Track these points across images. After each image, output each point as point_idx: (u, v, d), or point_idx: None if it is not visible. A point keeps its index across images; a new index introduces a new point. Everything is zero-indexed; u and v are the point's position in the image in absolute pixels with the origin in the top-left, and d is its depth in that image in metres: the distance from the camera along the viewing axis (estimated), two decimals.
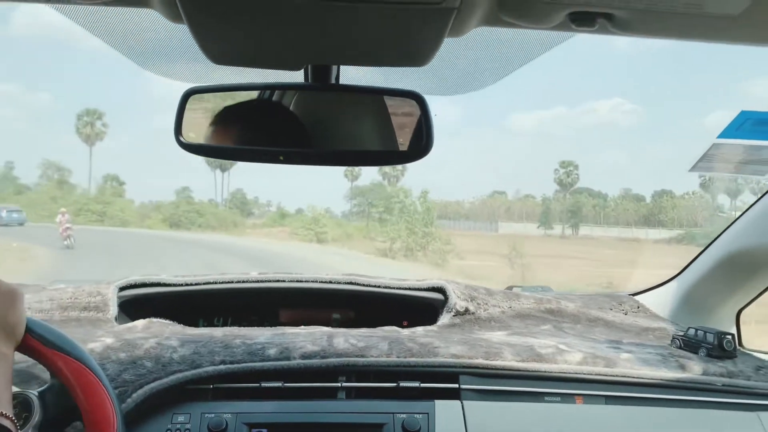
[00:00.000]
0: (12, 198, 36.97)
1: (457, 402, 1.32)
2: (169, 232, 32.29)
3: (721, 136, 1.32)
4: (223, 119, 1.07)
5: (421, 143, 1.04)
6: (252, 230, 36.69)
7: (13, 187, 41.97)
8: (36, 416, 0.97)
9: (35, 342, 0.95)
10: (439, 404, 1.31)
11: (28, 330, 0.94)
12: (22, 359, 1.00)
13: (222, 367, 1.29)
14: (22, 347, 0.94)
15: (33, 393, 0.99)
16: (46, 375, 1.02)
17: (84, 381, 0.95)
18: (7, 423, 0.79)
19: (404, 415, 1.27)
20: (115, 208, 37.50)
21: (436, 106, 1.03)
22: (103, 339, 1.38)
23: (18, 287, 0.95)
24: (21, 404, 0.97)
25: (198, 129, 1.06)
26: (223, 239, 28.61)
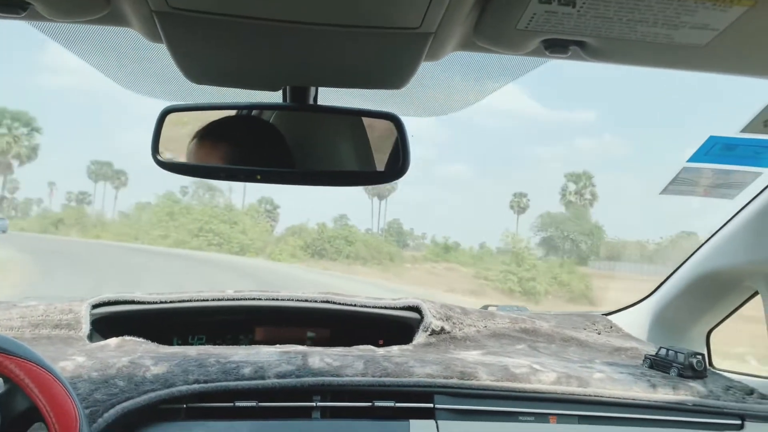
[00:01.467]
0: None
1: (432, 422, 1.33)
2: (301, 269, 23.78)
3: (691, 160, 1.36)
4: (201, 138, 1.07)
5: (398, 164, 1.05)
6: (411, 264, 28.31)
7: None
8: None
9: None
10: (414, 424, 1.31)
11: None
12: None
13: (196, 386, 1.28)
14: None
15: None
16: None
17: (38, 378, 0.95)
18: None
19: None
20: (237, 229, 31.72)
21: None
22: (75, 357, 1.35)
23: None
24: None
25: (176, 147, 1.07)
26: (378, 280, 21.07)
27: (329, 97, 1.06)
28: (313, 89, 1.03)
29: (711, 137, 1.33)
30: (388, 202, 46.56)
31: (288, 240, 31.32)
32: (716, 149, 1.34)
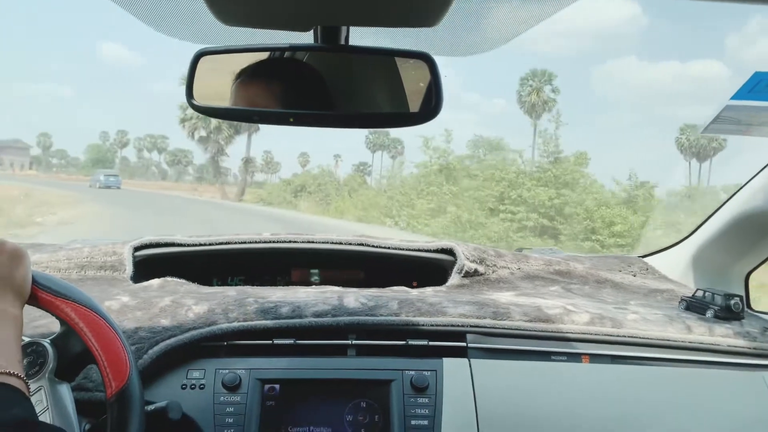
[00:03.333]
0: None
1: (465, 360, 1.35)
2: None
3: (734, 97, 1.30)
4: (237, 80, 1.07)
5: (431, 105, 1.04)
6: None
7: None
8: (51, 362, 1.01)
9: (42, 293, 0.98)
10: (447, 362, 1.34)
11: (35, 283, 0.97)
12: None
13: (236, 324, 1.32)
14: (30, 300, 0.97)
15: (46, 341, 1.02)
16: (54, 326, 1.05)
17: (92, 323, 0.99)
18: (17, 383, 0.81)
19: (413, 372, 1.30)
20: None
21: None
22: (120, 297, 1.41)
23: (21, 246, 0.97)
24: (35, 352, 1.01)
25: (209, 91, 1.07)
26: None
27: (360, 39, 1.05)
28: (344, 30, 1.01)
29: (756, 73, 1.28)
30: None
31: None
32: (762, 86, 1.28)
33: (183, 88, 1.03)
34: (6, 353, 0.84)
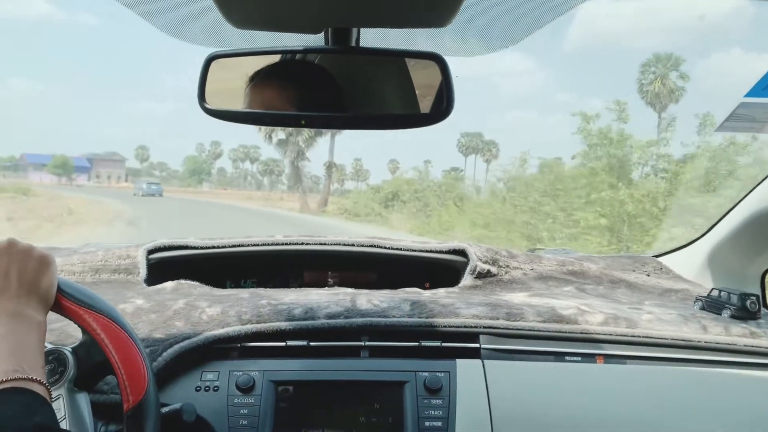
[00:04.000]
0: None
1: (478, 361, 1.35)
2: None
3: (749, 94, 1.29)
4: (247, 83, 1.08)
5: (442, 106, 1.04)
6: None
7: None
8: (71, 371, 1.01)
9: (66, 301, 0.98)
10: (461, 363, 1.33)
11: (59, 290, 0.98)
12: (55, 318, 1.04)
13: (249, 326, 1.33)
14: (54, 307, 0.97)
15: (67, 349, 1.03)
16: (77, 333, 1.06)
17: (114, 335, 0.99)
18: (39, 389, 0.81)
19: (426, 374, 1.30)
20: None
21: None
22: (134, 300, 1.42)
23: (49, 252, 0.98)
24: (56, 360, 1.02)
25: (220, 94, 1.07)
26: None
27: (371, 40, 1.05)
28: (354, 31, 1.01)
29: None
30: None
31: None
32: None
33: None
34: (29, 359, 0.84)
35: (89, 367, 1.03)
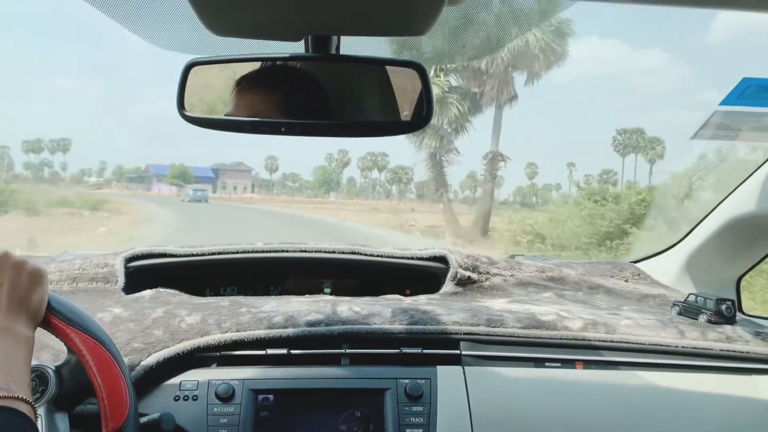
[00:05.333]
0: None
1: (459, 368, 1.35)
2: None
3: (723, 103, 1.32)
4: (227, 91, 1.07)
5: (422, 113, 1.04)
6: None
7: None
8: (51, 390, 0.99)
9: (55, 318, 0.96)
10: (441, 370, 1.34)
11: (49, 306, 0.95)
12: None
13: (229, 334, 1.32)
14: (43, 323, 0.95)
15: (50, 367, 1.01)
16: (59, 345, 1.04)
17: (99, 358, 0.97)
18: (24, 408, 0.80)
19: (407, 381, 1.30)
20: None
21: None
22: (112, 309, 1.40)
23: (42, 267, 0.95)
24: (38, 377, 1.00)
25: (199, 101, 1.07)
26: None
27: (351, 48, 1.05)
28: (335, 39, 1.02)
29: (744, 79, 1.29)
30: None
31: None
32: (750, 91, 1.30)
33: None
34: (16, 377, 0.82)
35: (71, 387, 1.01)
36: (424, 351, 1.36)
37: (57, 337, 0.98)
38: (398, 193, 70.64)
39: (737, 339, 1.47)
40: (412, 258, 1.80)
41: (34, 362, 1.00)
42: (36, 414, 0.83)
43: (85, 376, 0.98)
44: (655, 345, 1.42)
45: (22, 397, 0.80)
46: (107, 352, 0.98)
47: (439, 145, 21.36)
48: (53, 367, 1.01)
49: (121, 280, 1.64)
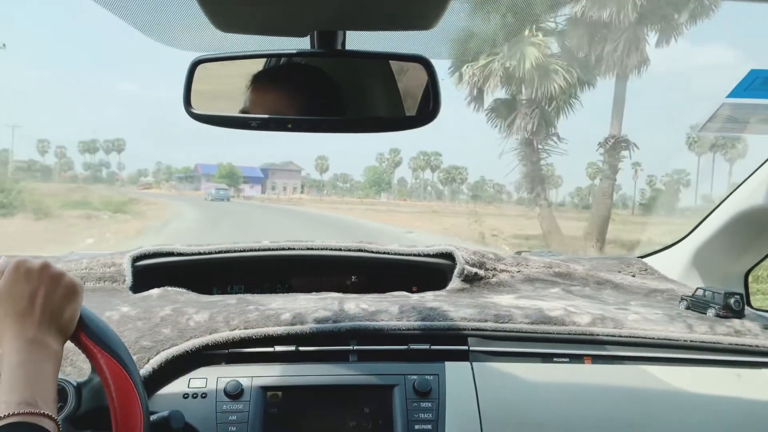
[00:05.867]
0: None
1: (467, 363, 1.35)
2: None
3: (731, 95, 1.31)
4: (234, 88, 1.07)
5: (428, 108, 1.04)
6: None
7: None
8: (68, 407, 0.98)
9: (84, 335, 0.94)
10: (449, 366, 1.33)
11: (80, 321, 0.94)
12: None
13: (237, 332, 1.32)
14: (72, 338, 0.94)
15: (71, 383, 1.00)
16: (82, 358, 1.02)
17: (121, 386, 0.94)
18: (49, 425, 0.78)
19: (415, 377, 1.30)
20: None
21: None
22: (120, 308, 1.41)
23: (79, 281, 0.94)
24: (58, 392, 0.98)
25: (206, 98, 1.07)
26: None
27: (357, 44, 1.05)
28: (341, 34, 1.01)
29: (752, 71, 1.29)
30: None
31: None
32: (758, 83, 1.29)
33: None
34: (43, 392, 0.81)
35: (88, 408, 1.00)
36: (432, 347, 1.36)
37: (84, 353, 0.96)
38: (451, 193, 68.33)
39: (746, 333, 1.46)
40: (418, 255, 1.80)
41: None
42: (60, 431, 0.81)
43: (103, 400, 0.96)
44: (664, 339, 1.42)
45: (47, 414, 0.79)
46: (130, 380, 0.95)
47: (536, 128, 15.66)
48: (75, 384, 1.00)
49: (129, 279, 1.64)
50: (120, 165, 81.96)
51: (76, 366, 1.18)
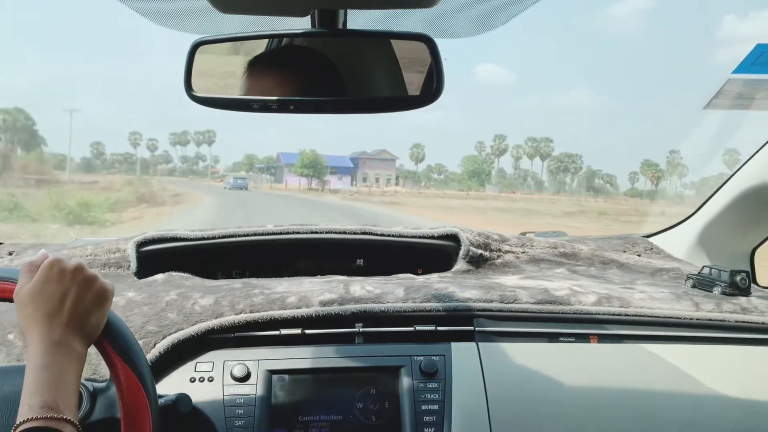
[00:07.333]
0: None
1: (473, 344, 1.35)
2: None
3: (737, 71, 1.29)
4: (235, 70, 1.06)
5: (432, 87, 1.03)
6: None
7: None
8: (81, 412, 0.97)
9: (107, 342, 0.93)
10: (456, 346, 1.34)
11: (106, 327, 0.93)
12: None
13: (243, 315, 1.32)
14: (96, 343, 0.93)
15: (88, 388, 0.99)
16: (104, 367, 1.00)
17: (134, 400, 0.93)
18: (70, 431, 0.78)
19: (421, 358, 1.30)
20: None
21: None
22: (125, 293, 1.41)
23: (111, 286, 0.93)
24: None
25: (207, 81, 1.06)
26: None
27: (359, 23, 1.04)
28: (341, 13, 1.00)
29: (759, 45, 1.27)
30: None
31: None
32: (765, 58, 1.28)
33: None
34: (65, 396, 0.80)
35: (101, 415, 0.99)
36: (438, 328, 1.36)
37: (104, 359, 0.95)
38: (557, 184, 61.84)
39: (752, 310, 1.46)
40: (423, 237, 1.80)
41: None
42: None
43: (115, 412, 0.94)
44: (670, 318, 1.42)
45: (69, 419, 0.78)
46: (145, 396, 0.94)
47: None
48: (91, 389, 0.99)
49: (134, 265, 1.64)
50: (215, 158, 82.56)
51: (91, 364, 1.17)
